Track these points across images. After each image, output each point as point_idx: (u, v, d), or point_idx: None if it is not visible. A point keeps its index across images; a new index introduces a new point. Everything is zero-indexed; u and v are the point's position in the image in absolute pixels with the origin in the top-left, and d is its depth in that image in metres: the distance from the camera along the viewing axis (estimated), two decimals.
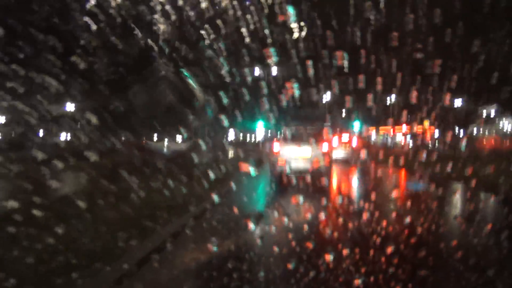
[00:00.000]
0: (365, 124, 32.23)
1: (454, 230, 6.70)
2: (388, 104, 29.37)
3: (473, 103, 21.75)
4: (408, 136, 35.49)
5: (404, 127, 33.27)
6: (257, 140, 31.49)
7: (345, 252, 4.74)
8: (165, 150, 19.03)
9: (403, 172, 15.78)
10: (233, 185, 9.91)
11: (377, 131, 39.53)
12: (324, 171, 12.09)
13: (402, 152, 24.40)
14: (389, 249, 4.53)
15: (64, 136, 20.41)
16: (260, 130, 27.01)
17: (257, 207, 8.94)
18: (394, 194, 9.87)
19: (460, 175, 10.15)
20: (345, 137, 22.70)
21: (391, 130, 36.63)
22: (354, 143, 23.49)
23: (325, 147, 12.43)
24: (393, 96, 28.46)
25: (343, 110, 29.94)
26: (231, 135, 31.15)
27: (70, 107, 15.31)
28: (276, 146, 12.53)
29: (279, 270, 4.42)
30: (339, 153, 20.34)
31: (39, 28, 7.67)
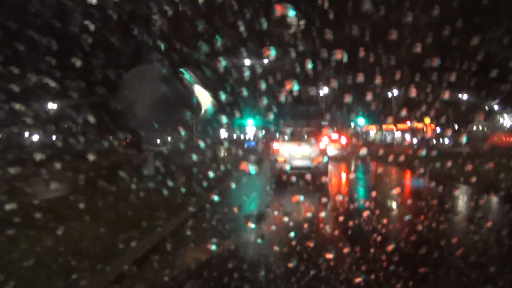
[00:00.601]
0: (364, 121, 32.07)
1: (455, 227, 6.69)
2: (389, 100, 29.16)
3: (479, 99, 21.73)
4: (408, 134, 35.30)
5: (406, 124, 33.05)
6: (250, 138, 30.86)
7: (346, 250, 4.73)
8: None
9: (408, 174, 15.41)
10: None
11: (380, 128, 39.24)
12: (322, 168, 12.48)
13: (405, 150, 24.20)
14: (390, 247, 4.51)
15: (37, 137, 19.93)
16: (252, 128, 26.72)
17: (256, 205, 8.92)
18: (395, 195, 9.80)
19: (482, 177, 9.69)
20: (335, 135, 23.18)
21: (394, 127, 36.42)
22: (344, 141, 23.91)
23: (322, 144, 12.98)
24: (394, 92, 28.23)
25: (341, 107, 29.79)
26: (224, 133, 30.81)
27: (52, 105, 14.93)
28: (276, 144, 12.91)
29: (280, 269, 4.41)
30: (330, 151, 20.79)
31: (30, 25, 7.59)
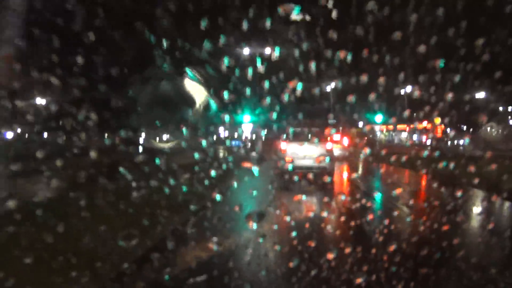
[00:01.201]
0: (382, 118, 31.18)
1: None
2: (397, 100, 28.56)
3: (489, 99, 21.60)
4: (417, 134, 34.81)
5: (419, 125, 32.35)
6: (237, 136, 30.46)
7: (347, 250, 4.70)
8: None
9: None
10: None
11: (395, 128, 38.64)
12: (329, 168, 12.62)
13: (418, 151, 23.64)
14: (391, 247, 4.48)
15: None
16: (249, 125, 26.47)
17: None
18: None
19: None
20: (337, 136, 23.30)
21: (407, 127, 35.95)
22: (345, 142, 23.99)
23: (329, 145, 13.16)
24: (402, 92, 27.80)
25: (348, 107, 29.24)
26: (223, 132, 30.50)
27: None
28: (283, 144, 13.10)
29: (281, 269, 4.40)
30: (335, 151, 20.83)
31: (32, 21, 7.53)
